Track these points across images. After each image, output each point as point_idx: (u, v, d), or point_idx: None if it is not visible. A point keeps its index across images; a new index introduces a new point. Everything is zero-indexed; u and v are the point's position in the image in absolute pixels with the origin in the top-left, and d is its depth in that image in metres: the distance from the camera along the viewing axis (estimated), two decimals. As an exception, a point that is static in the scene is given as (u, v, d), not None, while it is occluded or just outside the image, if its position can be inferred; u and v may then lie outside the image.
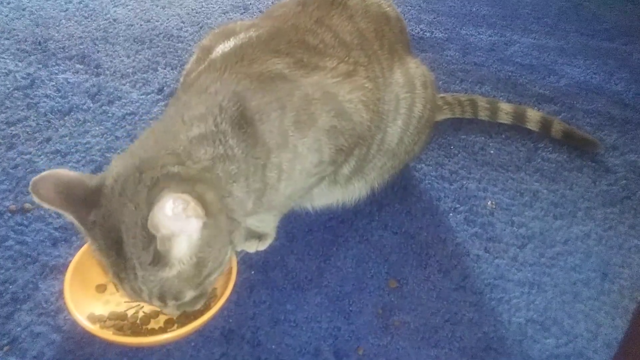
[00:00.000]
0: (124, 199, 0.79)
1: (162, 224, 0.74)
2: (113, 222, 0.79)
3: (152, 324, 0.94)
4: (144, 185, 0.79)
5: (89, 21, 1.71)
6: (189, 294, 0.83)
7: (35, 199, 0.79)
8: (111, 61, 1.55)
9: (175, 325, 0.93)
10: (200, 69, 0.97)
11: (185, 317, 0.94)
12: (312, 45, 1.00)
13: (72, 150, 1.26)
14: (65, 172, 0.83)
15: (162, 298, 0.82)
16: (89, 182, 0.82)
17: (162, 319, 0.95)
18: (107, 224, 0.79)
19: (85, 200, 0.80)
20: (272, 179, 0.93)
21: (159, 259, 0.78)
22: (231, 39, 0.99)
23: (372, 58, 1.06)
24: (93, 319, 0.92)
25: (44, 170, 1.16)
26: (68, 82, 1.45)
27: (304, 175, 0.97)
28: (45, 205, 0.80)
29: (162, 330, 0.93)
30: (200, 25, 1.75)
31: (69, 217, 0.81)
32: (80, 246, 0.98)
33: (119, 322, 0.93)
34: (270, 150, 0.91)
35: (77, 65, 1.52)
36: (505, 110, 1.45)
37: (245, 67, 0.93)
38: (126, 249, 0.78)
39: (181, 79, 1.07)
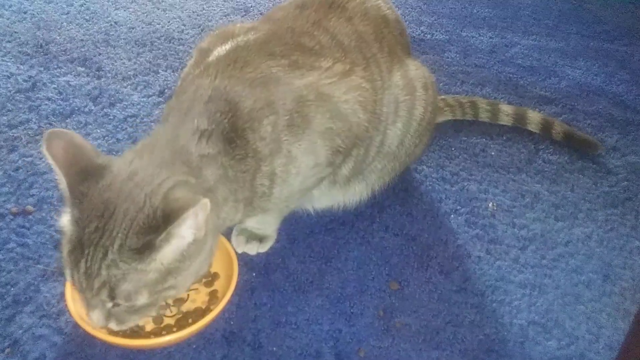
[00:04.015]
0: (135, 184, 0.79)
1: (186, 224, 0.76)
2: (109, 198, 0.78)
3: (154, 326, 0.94)
4: (164, 182, 0.80)
5: (90, 24, 1.71)
6: (142, 299, 0.80)
7: (44, 149, 0.79)
8: (112, 64, 1.55)
9: (176, 328, 0.93)
10: (196, 72, 0.97)
11: (186, 320, 0.94)
12: (308, 47, 1.00)
13: (73, 152, 1.26)
14: (80, 138, 0.83)
15: (112, 292, 0.78)
16: (95, 157, 0.82)
17: (163, 320, 0.95)
18: (101, 198, 0.78)
19: (84, 171, 0.80)
20: (263, 187, 0.93)
21: (146, 249, 0.77)
22: (228, 42, 0.99)
23: (370, 60, 1.06)
24: None
25: (45, 173, 1.19)
26: (69, 85, 1.46)
27: (300, 178, 0.97)
28: (49, 159, 0.79)
29: (163, 332, 0.93)
30: (201, 27, 1.76)
31: (61, 180, 0.80)
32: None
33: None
34: (261, 160, 0.91)
35: (79, 68, 1.52)
36: (506, 111, 1.45)
37: (238, 71, 0.93)
38: (112, 227, 0.77)
39: (179, 81, 1.07)
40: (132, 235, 0.77)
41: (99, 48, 1.61)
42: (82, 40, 1.63)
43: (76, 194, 0.79)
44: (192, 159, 0.85)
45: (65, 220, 0.81)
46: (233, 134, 0.89)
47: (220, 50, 0.98)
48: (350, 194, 1.16)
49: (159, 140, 0.88)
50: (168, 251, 0.78)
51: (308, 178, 0.99)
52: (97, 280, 0.78)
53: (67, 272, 0.81)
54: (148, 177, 0.80)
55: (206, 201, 0.76)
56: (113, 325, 0.83)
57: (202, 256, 0.84)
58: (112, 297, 0.79)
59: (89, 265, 0.78)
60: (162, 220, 0.76)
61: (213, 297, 0.98)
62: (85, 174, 0.80)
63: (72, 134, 0.83)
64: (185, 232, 0.78)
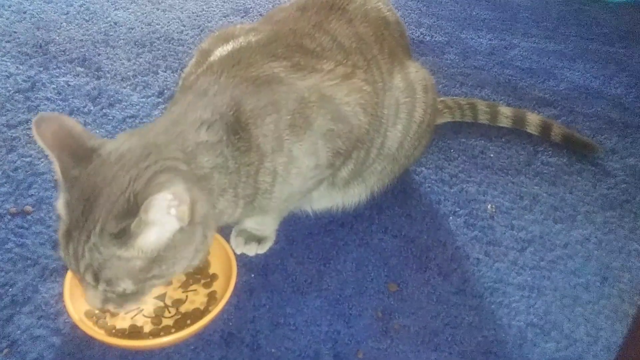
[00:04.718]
0: (121, 166, 0.79)
1: (154, 209, 0.75)
2: (96, 181, 0.78)
3: (152, 327, 0.94)
4: (151, 166, 0.79)
5: (89, 24, 1.71)
6: (124, 286, 0.79)
7: (34, 133, 0.79)
8: (112, 64, 1.55)
9: (175, 329, 0.93)
10: (198, 71, 0.97)
11: (185, 321, 0.94)
12: (309, 49, 1.00)
13: (72, 153, 1.26)
14: (71, 122, 0.82)
15: (97, 276, 0.79)
16: (87, 140, 0.82)
17: (162, 322, 0.95)
18: (88, 181, 0.78)
19: (75, 154, 0.80)
20: (265, 183, 0.93)
21: (123, 235, 0.76)
22: (230, 43, 1.00)
23: (371, 62, 1.06)
24: (89, 314, 0.92)
25: (44, 173, 1.19)
26: (69, 85, 1.46)
27: (300, 178, 0.97)
28: (40, 143, 0.79)
29: (162, 333, 0.93)
30: (200, 28, 1.76)
31: (55, 164, 0.80)
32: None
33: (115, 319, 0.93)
34: (264, 155, 0.91)
35: (78, 68, 1.52)
36: (505, 113, 1.46)
37: (242, 71, 0.93)
38: (96, 210, 0.76)
39: (180, 82, 1.07)
40: (111, 220, 0.76)
41: (98, 48, 1.61)
42: (81, 40, 1.63)
43: (69, 178, 0.79)
44: (188, 145, 0.85)
45: (60, 203, 0.81)
46: (237, 126, 0.89)
47: (222, 50, 0.99)
48: (349, 196, 1.16)
49: (156, 126, 0.88)
50: (147, 238, 0.77)
51: (308, 179, 0.99)
52: (82, 263, 0.79)
53: (61, 254, 0.82)
54: (135, 160, 0.80)
55: (177, 189, 0.75)
56: (112, 308, 0.84)
57: (191, 247, 0.82)
58: (96, 280, 0.79)
59: (76, 248, 0.78)
60: (139, 206, 0.75)
61: (212, 298, 0.98)
62: (77, 158, 0.80)
63: (62, 117, 0.82)
64: (158, 218, 0.76)
